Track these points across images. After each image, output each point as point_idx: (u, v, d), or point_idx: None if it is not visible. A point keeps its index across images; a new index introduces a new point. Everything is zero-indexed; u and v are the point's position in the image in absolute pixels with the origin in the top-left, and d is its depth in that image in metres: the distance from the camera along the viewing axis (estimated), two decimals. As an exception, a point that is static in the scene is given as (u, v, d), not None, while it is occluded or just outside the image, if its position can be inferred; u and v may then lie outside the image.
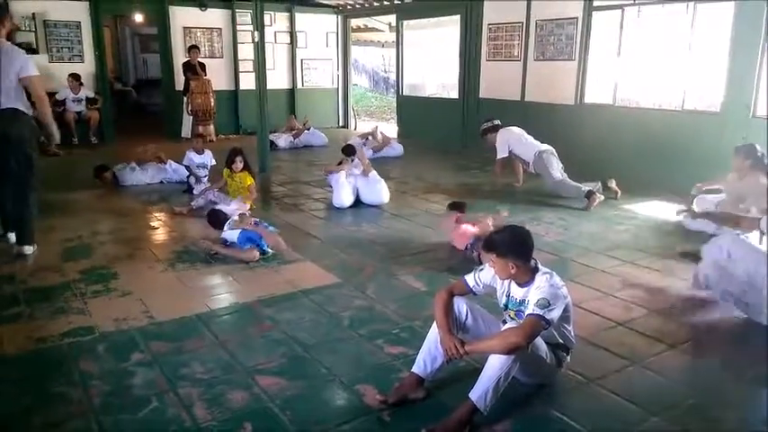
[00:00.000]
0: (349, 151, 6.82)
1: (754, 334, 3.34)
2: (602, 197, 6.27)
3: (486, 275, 2.80)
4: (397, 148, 9.53)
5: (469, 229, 4.71)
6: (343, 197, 6.18)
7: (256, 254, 4.54)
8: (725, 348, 3.29)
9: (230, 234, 4.73)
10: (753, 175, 4.86)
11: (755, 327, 3.38)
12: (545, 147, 6.76)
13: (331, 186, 6.52)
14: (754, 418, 2.60)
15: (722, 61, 6.62)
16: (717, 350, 3.27)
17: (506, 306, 2.77)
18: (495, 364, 2.43)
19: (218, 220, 4.98)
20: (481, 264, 3.59)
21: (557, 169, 6.59)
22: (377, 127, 9.92)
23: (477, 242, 4.44)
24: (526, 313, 2.53)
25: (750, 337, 3.33)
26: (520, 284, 2.68)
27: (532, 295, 2.57)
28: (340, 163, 6.81)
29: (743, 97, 6.39)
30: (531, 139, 6.91)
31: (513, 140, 6.91)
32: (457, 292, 2.80)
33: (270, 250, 4.64)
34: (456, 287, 2.83)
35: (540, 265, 2.69)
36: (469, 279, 2.84)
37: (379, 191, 6.33)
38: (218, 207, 5.80)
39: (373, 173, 6.40)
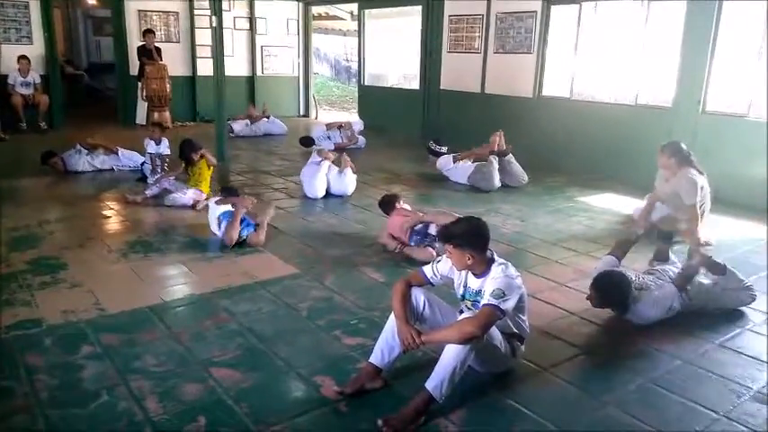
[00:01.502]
0: (307, 143, 6.75)
1: (689, 321, 3.47)
2: None
3: (443, 266, 2.82)
4: (360, 141, 9.49)
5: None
6: (318, 188, 6.15)
7: (234, 237, 4.50)
8: (669, 335, 3.40)
9: (217, 209, 4.74)
10: (681, 171, 4.82)
11: (689, 315, 3.50)
12: None
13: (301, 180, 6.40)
14: (702, 404, 2.70)
15: (674, 58, 6.81)
16: (663, 338, 3.37)
17: (463, 296, 2.81)
18: (451, 354, 2.45)
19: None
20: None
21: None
22: (350, 123, 9.72)
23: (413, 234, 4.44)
24: (482, 303, 2.56)
25: (685, 324, 3.44)
26: (476, 275, 2.71)
27: (488, 285, 2.60)
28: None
29: (693, 93, 6.59)
30: None
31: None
32: (415, 282, 2.82)
33: (249, 240, 4.60)
34: (414, 278, 2.85)
35: (495, 256, 2.72)
36: (427, 270, 2.86)
37: (348, 183, 6.29)
38: (173, 195, 5.70)
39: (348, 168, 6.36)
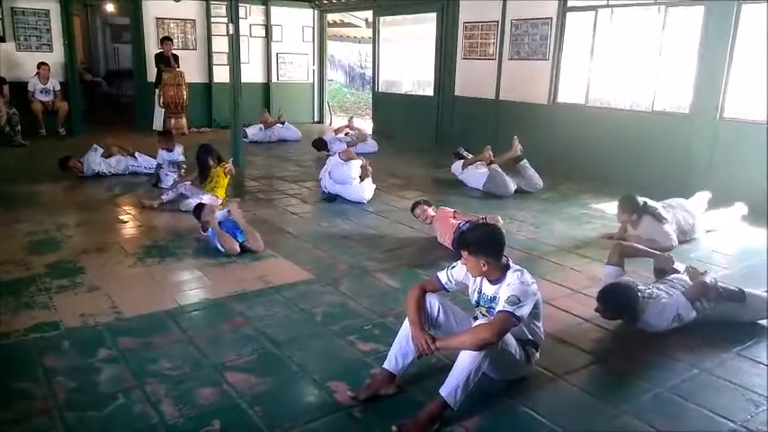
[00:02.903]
0: (319, 145, 6.78)
1: (706, 330, 3.42)
2: None
3: (458, 272, 2.82)
4: (372, 145, 9.52)
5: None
6: (366, 190, 6.25)
7: (237, 248, 4.50)
8: (686, 343, 3.36)
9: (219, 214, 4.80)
10: (643, 223, 4.84)
11: (706, 324, 3.46)
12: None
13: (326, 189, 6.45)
14: (719, 413, 2.67)
15: (691, 63, 6.76)
16: (680, 346, 3.33)
17: (478, 303, 2.80)
18: (466, 360, 2.45)
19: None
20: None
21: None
22: (352, 117, 9.86)
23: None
24: (497, 310, 2.55)
25: (702, 333, 3.40)
26: (491, 281, 2.71)
27: (503, 292, 2.60)
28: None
29: (711, 99, 6.53)
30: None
31: None
32: (429, 288, 2.82)
33: (247, 245, 4.58)
34: (428, 284, 2.85)
35: (511, 263, 2.71)
36: (442, 276, 2.85)
37: (366, 189, 6.31)
38: (189, 201, 5.75)
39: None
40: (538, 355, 2.86)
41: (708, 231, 5.31)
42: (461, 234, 2.77)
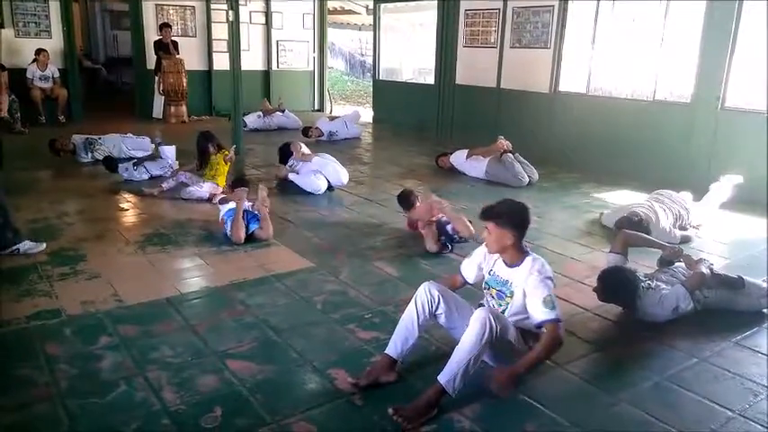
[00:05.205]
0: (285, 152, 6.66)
1: (705, 319, 3.44)
2: None
3: (477, 256, 2.84)
4: (354, 130, 9.64)
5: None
6: (319, 183, 6.12)
7: (242, 239, 4.49)
8: (685, 333, 3.38)
9: (222, 208, 4.76)
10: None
11: (705, 313, 3.47)
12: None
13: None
14: (718, 402, 2.68)
15: (693, 53, 6.72)
16: (678, 335, 3.35)
17: (488, 284, 2.79)
18: (465, 349, 2.46)
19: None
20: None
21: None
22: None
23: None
24: (540, 319, 2.57)
25: (701, 322, 3.42)
26: (508, 263, 2.71)
27: (519, 278, 2.62)
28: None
29: (713, 89, 6.50)
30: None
31: None
32: (447, 285, 2.87)
33: (257, 234, 4.59)
34: (448, 281, 2.93)
35: (529, 249, 2.71)
36: (464, 268, 2.91)
37: (340, 174, 6.24)
38: (190, 188, 5.75)
39: (315, 159, 6.27)
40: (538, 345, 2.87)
41: (702, 221, 5.26)
42: (489, 206, 2.71)
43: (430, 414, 2.45)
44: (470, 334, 2.48)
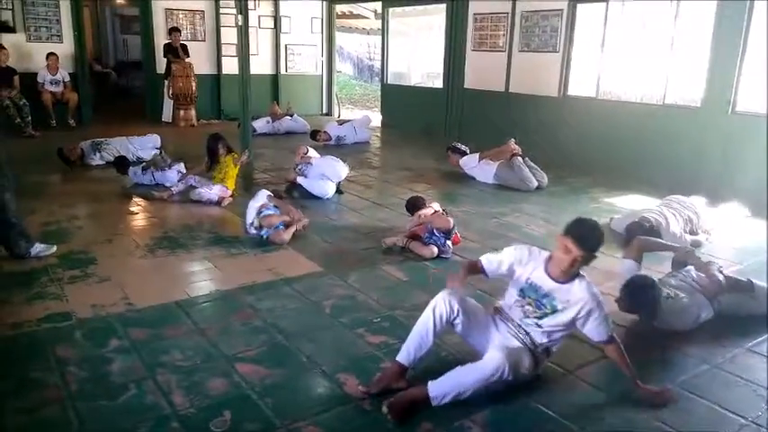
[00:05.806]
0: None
1: (717, 325, 3.41)
2: None
3: (506, 258, 2.72)
4: (363, 134, 9.69)
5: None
6: (327, 188, 6.15)
7: (286, 239, 4.59)
8: (697, 339, 3.35)
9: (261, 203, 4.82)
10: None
11: (718, 319, 3.44)
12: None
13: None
14: (730, 409, 2.66)
15: (704, 56, 6.68)
16: (690, 341, 3.32)
17: (523, 292, 2.69)
18: (468, 381, 2.50)
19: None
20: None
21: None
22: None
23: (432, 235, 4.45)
24: (604, 338, 2.67)
25: (713, 329, 3.39)
26: (553, 278, 2.62)
27: (564, 295, 2.59)
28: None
29: (723, 93, 6.46)
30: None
31: None
32: (472, 270, 2.80)
33: (271, 239, 4.62)
34: (471, 267, 2.82)
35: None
36: (485, 261, 2.78)
37: (337, 168, 6.27)
38: (199, 191, 5.76)
39: (316, 159, 6.34)
40: (547, 361, 2.84)
41: (712, 226, 5.23)
42: (577, 225, 2.59)
43: (414, 411, 2.48)
44: (480, 371, 2.49)
